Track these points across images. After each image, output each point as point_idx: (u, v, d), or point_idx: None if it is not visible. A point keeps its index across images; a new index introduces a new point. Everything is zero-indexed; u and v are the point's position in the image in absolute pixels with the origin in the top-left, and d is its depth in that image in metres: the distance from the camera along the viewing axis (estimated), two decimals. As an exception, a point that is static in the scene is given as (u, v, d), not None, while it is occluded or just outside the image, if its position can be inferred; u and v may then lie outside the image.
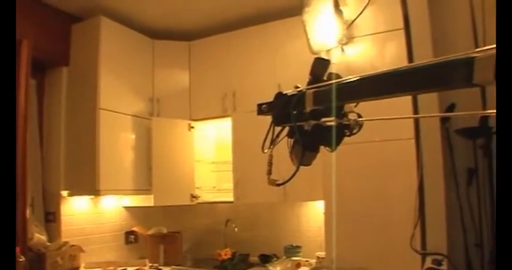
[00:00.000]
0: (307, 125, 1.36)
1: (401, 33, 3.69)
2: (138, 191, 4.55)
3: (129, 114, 4.55)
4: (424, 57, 3.39)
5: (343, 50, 3.83)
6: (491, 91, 3.47)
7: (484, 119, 3.56)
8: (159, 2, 4.47)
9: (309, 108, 1.36)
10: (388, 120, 3.69)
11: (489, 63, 0.89)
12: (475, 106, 3.54)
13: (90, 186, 4.09)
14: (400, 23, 3.69)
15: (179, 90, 5.02)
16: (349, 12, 3.83)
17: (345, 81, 1.31)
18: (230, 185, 4.67)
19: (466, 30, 3.57)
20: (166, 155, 4.73)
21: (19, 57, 3.73)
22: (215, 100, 4.81)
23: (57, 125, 4.34)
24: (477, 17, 3.51)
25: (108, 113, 4.26)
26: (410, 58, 3.61)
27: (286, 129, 1.49)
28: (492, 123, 3.52)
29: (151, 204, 4.56)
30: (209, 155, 5.31)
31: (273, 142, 1.51)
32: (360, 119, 1.36)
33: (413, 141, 3.55)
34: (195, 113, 4.99)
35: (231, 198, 4.65)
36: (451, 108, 3.73)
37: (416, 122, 3.52)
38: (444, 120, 3.68)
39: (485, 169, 3.46)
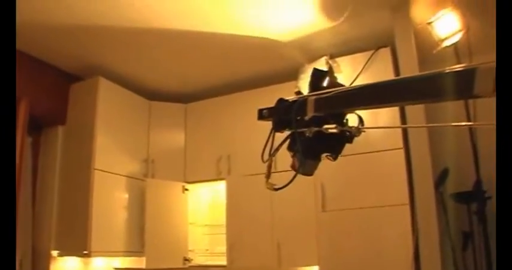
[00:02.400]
0: (309, 132, 1.33)
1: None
2: (130, 252, 4.46)
3: (123, 175, 4.53)
4: (418, 123, 3.45)
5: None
6: (484, 154, 3.51)
7: (478, 183, 3.58)
8: (157, 65, 4.58)
9: (310, 114, 1.34)
10: (381, 186, 3.71)
11: (490, 74, 0.90)
12: (468, 171, 3.57)
13: (81, 247, 4.00)
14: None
15: (174, 152, 5.04)
16: (343, 79, 3.91)
17: (347, 89, 1.29)
18: (224, 248, 4.59)
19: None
20: (159, 217, 4.67)
21: (16, 115, 3.76)
22: (210, 163, 4.82)
23: (50, 183, 4.32)
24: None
25: (102, 174, 4.24)
26: (404, 123, 3.67)
27: (286, 138, 1.46)
28: (485, 187, 3.54)
29: (143, 266, 4.44)
30: (203, 218, 5.25)
31: (273, 150, 1.47)
32: (362, 127, 1.33)
33: (407, 206, 3.55)
34: (189, 175, 4.98)
35: (224, 262, 4.55)
36: (445, 172, 3.77)
37: (411, 187, 3.53)
38: (438, 185, 3.70)
39: (481, 234, 3.44)
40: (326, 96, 1.32)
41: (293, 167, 1.42)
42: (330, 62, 3.96)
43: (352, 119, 1.34)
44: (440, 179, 3.75)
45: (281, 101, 1.47)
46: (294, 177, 1.36)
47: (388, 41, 3.85)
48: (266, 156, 1.48)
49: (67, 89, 4.56)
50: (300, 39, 4.03)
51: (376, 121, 3.84)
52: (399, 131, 3.71)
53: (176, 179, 4.92)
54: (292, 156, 1.42)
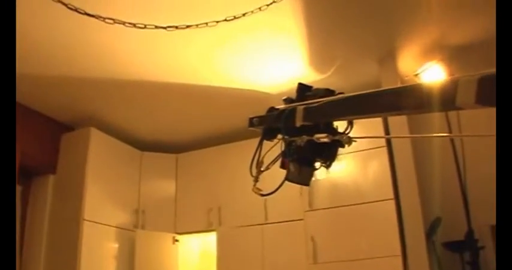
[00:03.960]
0: (300, 141, 1.31)
1: (384, 150, 3.80)
2: (119, 306, 4.35)
3: (113, 226, 4.47)
4: (408, 174, 3.47)
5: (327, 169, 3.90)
6: (474, 205, 3.51)
7: (470, 233, 3.56)
8: (149, 116, 4.63)
9: (299, 123, 1.31)
10: (372, 238, 3.69)
11: (472, 87, 0.91)
12: (460, 220, 3.56)
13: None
14: (383, 140, 3.82)
15: (165, 202, 5.00)
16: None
17: (336, 99, 1.28)
18: (215, 301, 4.50)
19: (444, 146, 3.70)
20: (149, 268, 4.59)
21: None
22: (201, 213, 4.77)
23: (39, 233, 4.24)
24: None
25: (91, 224, 4.18)
26: (393, 175, 3.68)
27: (276, 149, 1.43)
28: (477, 235, 3.53)
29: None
30: (194, 269, 5.16)
31: (261, 158, 1.44)
32: (354, 136, 1.31)
33: (399, 257, 3.52)
34: (180, 225, 4.93)
35: (215, 314, 4.46)
36: (436, 221, 3.75)
37: (402, 238, 3.51)
38: (430, 234, 3.68)
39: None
40: (315, 106, 1.31)
41: (287, 177, 1.40)
42: (319, 113, 3.99)
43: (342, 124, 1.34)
44: (432, 228, 3.73)
45: (271, 109, 1.46)
46: (282, 184, 1.33)
47: (377, 93, 3.91)
48: (254, 167, 1.46)
49: (58, 138, 4.57)
50: (289, 92, 4.06)
51: (366, 169, 3.87)
52: (389, 182, 3.73)
53: (166, 230, 4.87)
54: (287, 168, 1.40)
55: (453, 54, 3.58)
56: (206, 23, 2.95)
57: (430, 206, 3.71)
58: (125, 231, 4.58)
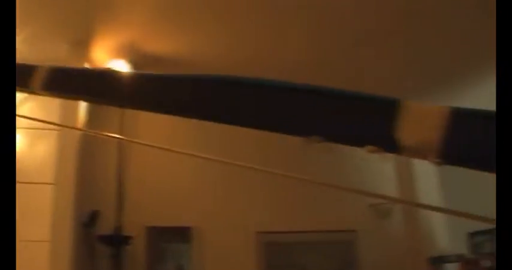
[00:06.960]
0: None
1: (53, 133, 3.69)
2: None
3: None
4: (68, 162, 3.43)
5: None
6: (131, 199, 3.65)
7: (118, 228, 3.68)
8: None
9: None
10: (27, 222, 3.57)
11: (42, 74, 1.04)
12: (117, 212, 3.67)
13: None
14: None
15: None
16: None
17: None
18: None
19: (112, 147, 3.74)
20: None
21: None
22: None
23: None
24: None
25: None
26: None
27: None
28: (131, 233, 3.68)
29: None
30: None
31: None
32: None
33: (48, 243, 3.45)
34: None
35: None
36: (94, 214, 3.81)
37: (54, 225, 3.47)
38: (89, 226, 3.72)
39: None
40: None
41: None
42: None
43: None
44: (91, 220, 3.78)
45: None
46: None
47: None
48: None
49: None
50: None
51: (32, 148, 3.69)
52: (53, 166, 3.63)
53: None
54: None
55: (143, 60, 3.64)
56: None
57: (88, 198, 3.74)
58: None
